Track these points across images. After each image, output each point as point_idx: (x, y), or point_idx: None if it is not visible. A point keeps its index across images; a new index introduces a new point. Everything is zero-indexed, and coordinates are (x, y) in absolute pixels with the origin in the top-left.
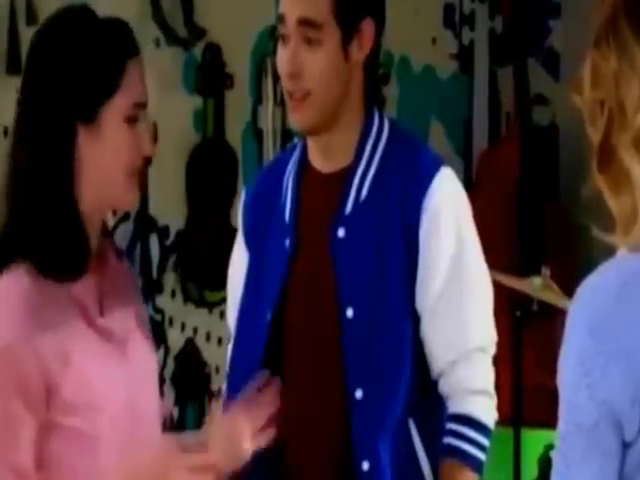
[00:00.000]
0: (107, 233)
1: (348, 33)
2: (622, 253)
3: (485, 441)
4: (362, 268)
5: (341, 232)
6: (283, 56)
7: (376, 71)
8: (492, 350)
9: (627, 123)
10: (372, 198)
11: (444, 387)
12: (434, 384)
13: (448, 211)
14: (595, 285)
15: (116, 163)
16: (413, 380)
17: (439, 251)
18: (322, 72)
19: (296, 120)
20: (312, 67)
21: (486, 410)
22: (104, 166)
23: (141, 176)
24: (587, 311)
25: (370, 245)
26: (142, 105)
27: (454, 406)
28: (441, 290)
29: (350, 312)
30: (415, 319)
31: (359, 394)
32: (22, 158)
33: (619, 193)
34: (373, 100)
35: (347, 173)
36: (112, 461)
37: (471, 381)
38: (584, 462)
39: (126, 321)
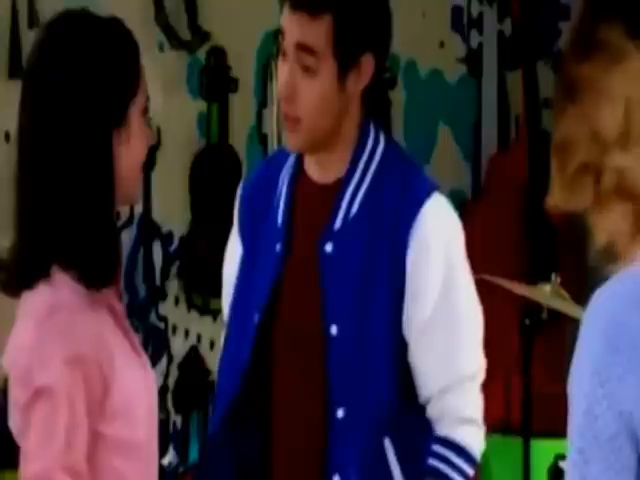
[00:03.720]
0: None
1: (345, 65)
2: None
3: (470, 471)
4: (348, 286)
5: (329, 247)
6: (281, 75)
7: (377, 100)
8: (480, 378)
9: None
10: (362, 216)
11: (432, 412)
12: (419, 410)
13: (437, 241)
14: (611, 294)
15: (138, 158)
16: (394, 403)
17: (427, 281)
18: (315, 101)
19: (288, 142)
20: (306, 94)
21: (474, 440)
22: (131, 164)
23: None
24: (602, 320)
25: (357, 263)
26: (148, 95)
27: (442, 429)
28: (428, 320)
29: (334, 329)
30: (400, 341)
31: (341, 413)
32: (58, 172)
33: None
34: (369, 120)
35: (339, 186)
36: (153, 467)
37: (460, 409)
38: (602, 474)
39: (130, 323)
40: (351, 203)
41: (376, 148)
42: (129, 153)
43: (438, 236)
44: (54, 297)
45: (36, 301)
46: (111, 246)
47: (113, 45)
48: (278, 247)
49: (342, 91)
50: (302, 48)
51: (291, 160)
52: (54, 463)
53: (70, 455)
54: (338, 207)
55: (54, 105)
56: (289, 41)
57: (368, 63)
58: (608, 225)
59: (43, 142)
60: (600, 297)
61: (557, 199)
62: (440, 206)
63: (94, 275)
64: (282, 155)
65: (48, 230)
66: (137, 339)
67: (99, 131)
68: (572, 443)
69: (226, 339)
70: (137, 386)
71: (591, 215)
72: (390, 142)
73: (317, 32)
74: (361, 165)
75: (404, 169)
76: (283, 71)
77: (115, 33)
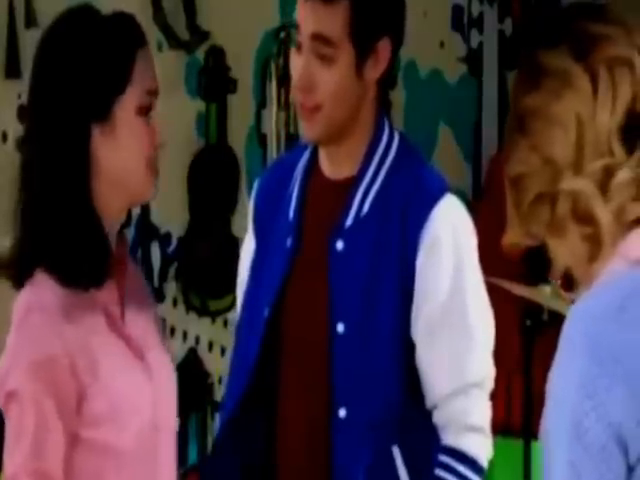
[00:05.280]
0: (122, 234)
1: (362, 53)
2: (618, 269)
3: None
4: (356, 284)
5: (340, 245)
6: (296, 67)
7: (390, 87)
8: (489, 386)
9: None
10: (373, 214)
11: (438, 418)
12: (426, 414)
13: (447, 243)
14: (586, 309)
15: (133, 157)
16: (401, 406)
17: (436, 283)
18: (334, 89)
19: (306, 131)
20: (324, 83)
21: (481, 448)
22: (120, 162)
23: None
24: (582, 335)
25: (366, 261)
26: (154, 93)
27: (449, 439)
28: (436, 322)
29: (341, 327)
30: (407, 343)
31: (342, 413)
32: (37, 166)
33: None
34: (385, 113)
35: (352, 183)
36: (137, 476)
37: (467, 416)
38: None
39: (145, 326)
40: (363, 200)
41: (391, 144)
42: (117, 150)
43: (449, 238)
44: (33, 298)
45: (19, 301)
46: (91, 245)
47: (98, 40)
48: (289, 242)
49: (360, 78)
50: (318, 38)
51: (305, 158)
52: (20, 468)
53: (37, 459)
54: (350, 204)
55: (39, 102)
56: (305, 32)
57: (385, 48)
58: (566, 250)
59: (33, 137)
60: (576, 312)
61: (515, 235)
62: (452, 207)
63: (71, 275)
64: (295, 154)
65: (32, 227)
66: (145, 342)
67: (75, 123)
68: (554, 453)
69: (237, 335)
70: (132, 390)
71: (548, 242)
72: (403, 138)
73: (333, 19)
74: (375, 161)
75: (416, 168)
76: (298, 63)
77: (108, 29)
